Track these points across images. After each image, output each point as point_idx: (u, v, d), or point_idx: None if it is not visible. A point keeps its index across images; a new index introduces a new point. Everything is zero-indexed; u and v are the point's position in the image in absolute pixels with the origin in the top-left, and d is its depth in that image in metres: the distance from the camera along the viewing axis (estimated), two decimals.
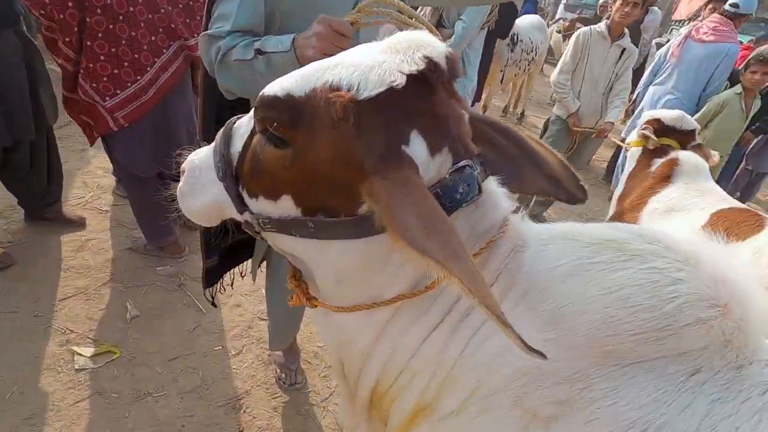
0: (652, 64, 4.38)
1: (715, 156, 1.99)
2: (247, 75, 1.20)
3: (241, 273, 1.89)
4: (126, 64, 1.94)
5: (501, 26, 4.39)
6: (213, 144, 0.76)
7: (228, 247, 1.80)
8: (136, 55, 1.95)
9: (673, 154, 1.86)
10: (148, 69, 1.98)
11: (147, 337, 2.09)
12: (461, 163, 0.59)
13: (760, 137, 4.59)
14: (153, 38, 1.98)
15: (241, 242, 1.82)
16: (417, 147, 0.57)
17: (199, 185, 0.76)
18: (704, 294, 0.53)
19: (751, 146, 4.73)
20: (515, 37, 5.54)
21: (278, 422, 1.85)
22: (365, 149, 0.55)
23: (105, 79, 1.94)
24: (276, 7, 1.24)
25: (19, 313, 2.08)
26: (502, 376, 0.59)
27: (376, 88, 0.55)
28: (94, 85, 1.94)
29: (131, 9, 1.89)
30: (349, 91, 0.55)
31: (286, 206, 0.66)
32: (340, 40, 1.02)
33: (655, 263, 0.55)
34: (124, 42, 1.91)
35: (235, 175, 0.72)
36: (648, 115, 2.07)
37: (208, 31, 1.24)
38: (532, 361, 0.57)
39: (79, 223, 2.72)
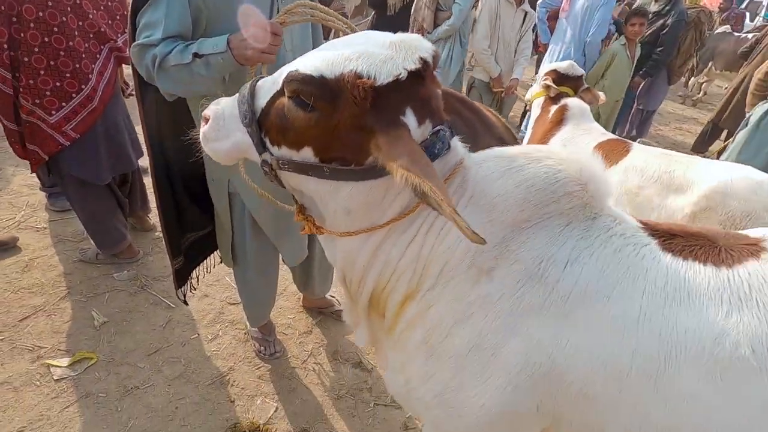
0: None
1: (602, 95, 2.40)
2: (185, 77, 1.31)
3: (206, 269, 2.02)
4: (68, 75, 1.92)
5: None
6: (236, 96, 0.93)
7: (191, 245, 1.92)
8: (77, 65, 1.93)
9: (563, 102, 2.23)
10: (90, 77, 1.97)
11: (121, 339, 2.16)
12: (437, 128, 0.84)
13: (646, 80, 5.27)
14: (87, 45, 1.96)
15: (203, 237, 1.95)
16: (410, 119, 0.81)
17: (225, 130, 0.93)
18: (573, 177, 0.84)
19: (640, 88, 5.42)
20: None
21: (266, 387, 2.03)
22: (376, 118, 0.77)
23: (48, 93, 1.90)
24: (201, 14, 1.35)
25: None
26: (460, 253, 0.86)
27: (387, 78, 0.77)
28: (37, 101, 1.91)
29: (64, 19, 1.86)
30: (369, 78, 0.76)
31: (306, 155, 0.86)
32: (275, 39, 1.18)
33: (546, 162, 0.85)
34: (62, 53, 1.89)
35: (258, 124, 0.90)
36: (546, 68, 2.42)
37: (140, 41, 1.31)
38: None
39: (11, 244, 2.63)
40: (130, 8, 1.34)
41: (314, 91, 0.79)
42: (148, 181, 3.54)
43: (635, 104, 5.69)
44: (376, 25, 4.55)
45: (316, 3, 1.21)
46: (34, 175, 3.25)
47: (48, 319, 2.21)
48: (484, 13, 3.66)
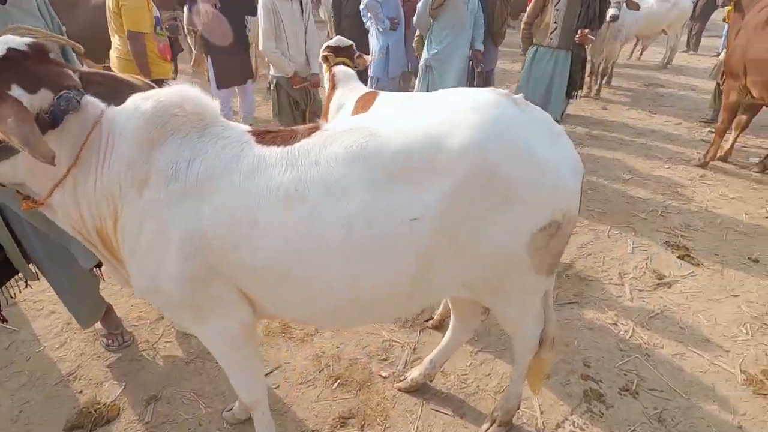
0: None
1: (368, 58, 2.84)
2: None
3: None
4: None
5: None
6: None
7: None
8: None
9: (332, 71, 2.62)
10: None
11: None
12: (61, 93, 1.08)
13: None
14: None
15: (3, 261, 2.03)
16: (17, 91, 1.03)
17: None
18: (171, 104, 1.16)
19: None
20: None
21: (115, 372, 2.18)
22: None
23: None
24: None
25: None
26: (123, 174, 1.15)
27: None
28: None
29: None
30: None
31: None
32: None
33: (153, 98, 1.17)
34: None
35: None
36: (324, 46, 2.80)
37: None
38: (127, 159, 1.13)
39: None
40: None
41: None
42: None
43: (477, 69, 6.44)
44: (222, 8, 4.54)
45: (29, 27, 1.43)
46: None
47: None
48: (263, 14, 3.47)
